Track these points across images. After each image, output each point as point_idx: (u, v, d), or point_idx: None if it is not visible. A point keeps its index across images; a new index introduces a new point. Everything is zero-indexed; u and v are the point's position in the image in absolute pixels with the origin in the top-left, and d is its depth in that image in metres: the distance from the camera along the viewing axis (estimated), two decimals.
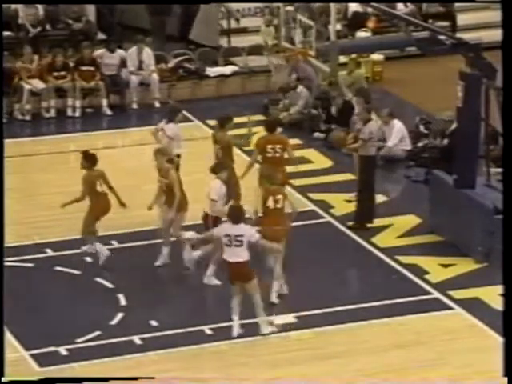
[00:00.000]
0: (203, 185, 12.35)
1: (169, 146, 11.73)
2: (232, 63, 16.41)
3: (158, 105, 15.67)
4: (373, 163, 12.02)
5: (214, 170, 10.87)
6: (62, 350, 9.68)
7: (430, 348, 9.79)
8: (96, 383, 8.53)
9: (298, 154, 13.94)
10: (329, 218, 12.27)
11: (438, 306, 10.53)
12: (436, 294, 10.72)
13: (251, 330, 9.93)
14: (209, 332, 9.97)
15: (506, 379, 7.49)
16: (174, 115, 11.91)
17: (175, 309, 10.40)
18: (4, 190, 7.89)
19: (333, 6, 15.62)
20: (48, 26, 16.17)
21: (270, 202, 10.24)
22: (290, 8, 16.46)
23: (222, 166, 10.91)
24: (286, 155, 11.54)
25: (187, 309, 10.42)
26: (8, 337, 9.79)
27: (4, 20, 15.91)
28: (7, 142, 14.13)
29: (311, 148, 14.27)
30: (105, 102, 15.45)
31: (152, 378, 9.02)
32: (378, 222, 12.16)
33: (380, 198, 12.63)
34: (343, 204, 12.51)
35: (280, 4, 16.47)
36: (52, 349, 9.67)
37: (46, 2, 16.26)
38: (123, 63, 15.72)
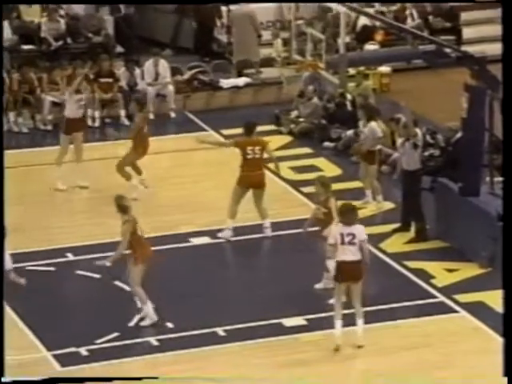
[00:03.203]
0: (211, 192, 12.45)
1: None
2: (245, 75, 16.50)
3: (173, 115, 15.79)
4: (419, 177, 11.87)
5: None
6: (83, 351, 9.75)
7: (436, 350, 9.82)
8: (99, 383, 8.47)
9: (308, 162, 14.14)
10: None
11: (444, 309, 10.57)
12: (441, 298, 10.76)
13: (262, 332, 9.98)
14: (222, 334, 10.04)
15: (505, 379, 7.51)
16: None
17: (190, 311, 10.46)
18: (4, 190, 7.87)
19: (342, 19, 15.69)
20: (69, 40, 16.30)
21: None
22: (300, 22, 16.56)
23: None
24: (264, 156, 11.75)
25: (201, 311, 10.48)
26: (31, 338, 9.89)
27: (27, 33, 16.06)
28: (30, 151, 14.29)
29: (321, 157, 14.32)
30: (123, 112, 15.55)
31: (155, 377, 8.99)
32: (386, 228, 12.22)
33: (388, 205, 12.70)
34: None
35: (291, 18, 16.56)
36: (73, 349, 9.74)
37: (46, 2, 16.26)
38: (140, 75, 15.84)
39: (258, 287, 10.94)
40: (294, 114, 15.34)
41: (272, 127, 15.13)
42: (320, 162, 14.17)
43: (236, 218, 11.89)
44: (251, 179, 11.63)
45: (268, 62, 16.75)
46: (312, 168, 13.79)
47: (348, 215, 9.61)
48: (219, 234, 11.80)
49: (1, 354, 7.64)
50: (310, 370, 9.49)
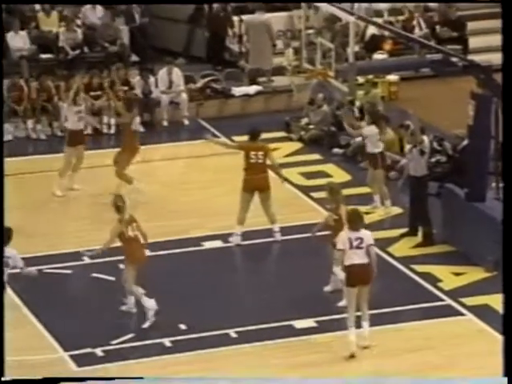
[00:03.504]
0: (222, 197, 12.50)
1: None
2: (256, 83, 16.59)
3: (186, 122, 15.89)
4: (426, 183, 11.93)
5: None
6: (99, 351, 9.84)
7: (442, 351, 9.87)
8: (100, 382, 8.41)
9: (318, 168, 14.20)
10: None
11: (450, 312, 10.62)
12: (448, 301, 10.81)
13: (273, 334, 10.05)
14: (234, 335, 10.10)
15: (505, 379, 7.54)
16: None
17: (203, 313, 10.53)
18: (4, 194, 7.88)
19: (351, 29, 15.76)
20: (86, 49, 16.41)
21: None
22: (310, 31, 16.64)
23: None
24: (268, 161, 11.83)
25: (214, 313, 10.55)
26: (49, 338, 9.98)
27: (45, 43, 16.19)
28: (48, 157, 14.38)
29: (330, 163, 14.38)
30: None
31: (157, 378, 9.00)
32: (393, 232, 12.27)
33: (396, 210, 12.75)
34: None
35: (302, 27, 16.64)
36: (89, 350, 9.82)
37: (45, 1, 16.27)
38: (154, 83, 15.95)
39: (269, 290, 11.00)
40: (304, 121, 15.41)
41: (282, 134, 15.21)
42: (329, 168, 14.23)
43: (247, 223, 11.97)
44: (254, 182, 11.75)
45: (279, 71, 16.84)
46: (321, 174, 13.87)
47: (355, 221, 9.72)
48: (229, 239, 11.89)
49: (1, 353, 7.61)
50: (318, 370, 9.54)
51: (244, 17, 17.08)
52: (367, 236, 9.70)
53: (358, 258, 9.60)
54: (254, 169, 11.72)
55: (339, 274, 10.39)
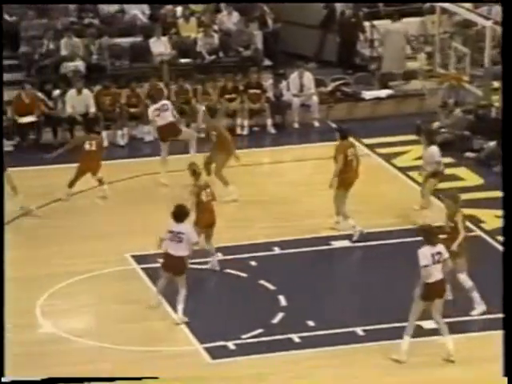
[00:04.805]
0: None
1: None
2: (387, 87, 16.50)
3: (317, 124, 15.99)
4: None
5: None
6: (231, 345, 10.01)
7: None
8: (100, 383, 8.38)
9: (449, 171, 13.91)
10: (479, 232, 12.19)
11: None
12: None
13: (400, 333, 9.94)
14: (361, 333, 10.09)
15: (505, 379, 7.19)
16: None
17: (331, 310, 10.57)
18: (4, 197, 7.97)
19: (488, 34, 15.42)
20: (221, 54, 16.78)
21: None
22: (443, 36, 16.41)
23: None
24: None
25: (342, 311, 10.59)
26: (185, 331, 10.20)
27: (184, 48, 16.69)
28: (187, 156, 14.61)
29: (462, 166, 14.12)
30: (269, 121, 15.91)
31: (156, 377, 8.96)
32: None
33: None
34: (493, 219, 12.35)
35: (435, 32, 16.44)
36: (222, 343, 10.01)
37: (43, 2, 16.38)
38: (286, 87, 16.12)
39: (396, 289, 10.88)
40: (436, 124, 15.20)
41: (413, 137, 15.04)
42: (461, 171, 14.00)
43: (375, 224, 11.97)
44: (352, 178, 12.02)
45: (411, 75, 16.70)
46: (453, 177, 13.65)
47: (432, 235, 9.67)
48: (353, 239, 11.95)
49: (1, 353, 7.57)
50: (439, 372, 9.42)
51: (376, 22, 17.03)
52: (444, 250, 9.69)
53: (438, 273, 9.63)
54: (350, 165, 12.03)
55: (464, 281, 10.22)
